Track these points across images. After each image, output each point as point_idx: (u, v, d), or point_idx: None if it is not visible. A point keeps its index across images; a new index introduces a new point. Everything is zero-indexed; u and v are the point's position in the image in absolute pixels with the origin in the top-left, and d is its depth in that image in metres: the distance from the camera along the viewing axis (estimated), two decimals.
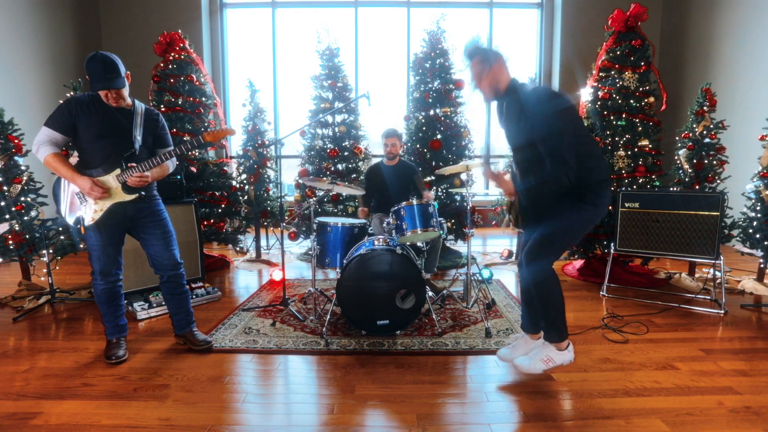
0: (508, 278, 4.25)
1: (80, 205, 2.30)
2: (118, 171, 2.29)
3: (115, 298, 2.50)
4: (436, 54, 4.99)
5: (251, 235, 5.28)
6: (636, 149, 3.95)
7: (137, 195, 2.36)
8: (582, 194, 1.96)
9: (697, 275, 4.05)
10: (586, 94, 4.28)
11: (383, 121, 7.63)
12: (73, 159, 2.34)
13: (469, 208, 3.17)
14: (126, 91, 2.31)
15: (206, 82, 4.80)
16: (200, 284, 3.58)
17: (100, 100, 2.29)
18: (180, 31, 4.65)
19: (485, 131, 7.72)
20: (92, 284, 2.47)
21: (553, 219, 2.01)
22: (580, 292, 3.75)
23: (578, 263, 4.38)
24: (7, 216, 3.40)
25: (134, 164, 2.29)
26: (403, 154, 3.92)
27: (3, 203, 3.38)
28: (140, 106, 2.40)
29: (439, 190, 5.04)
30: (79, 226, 2.30)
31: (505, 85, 2.03)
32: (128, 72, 2.31)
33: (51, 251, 3.58)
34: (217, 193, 4.66)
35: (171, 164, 2.52)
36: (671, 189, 3.81)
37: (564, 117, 1.87)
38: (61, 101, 3.49)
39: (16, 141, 3.49)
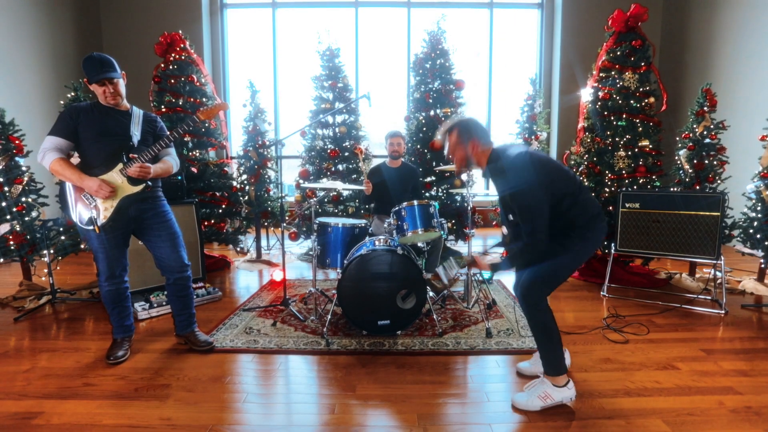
0: (509, 279, 4.25)
1: (90, 205, 2.30)
2: (120, 165, 2.31)
3: (121, 300, 2.50)
4: (436, 54, 4.99)
5: (252, 235, 5.29)
6: (636, 149, 3.95)
7: (144, 185, 2.38)
8: (575, 233, 1.96)
9: (697, 275, 4.05)
10: (586, 95, 4.28)
11: (383, 121, 7.65)
12: (74, 159, 2.35)
13: (469, 208, 3.17)
14: (123, 91, 2.36)
15: (207, 83, 4.81)
16: (201, 284, 3.58)
17: (100, 105, 2.35)
18: (180, 31, 4.66)
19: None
20: (98, 286, 2.48)
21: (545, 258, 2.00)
22: (581, 292, 3.75)
23: None
24: (8, 216, 3.41)
25: (135, 155, 2.32)
26: (403, 155, 3.93)
27: (4, 204, 3.39)
28: (138, 110, 2.45)
29: (440, 190, 5.04)
30: (92, 226, 2.30)
31: (485, 158, 2.04)
32: (124, 72, 2.38)
33: (52, 251, 3.58)
34: (217, 194, 4.67)
35: (174, 162, 2.52)
36: (672, 189, 3.81)
37: (537, 191, 1.84)
38: (62, 102, 3.50)
39: (17, 142, 3.49)
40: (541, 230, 1.84)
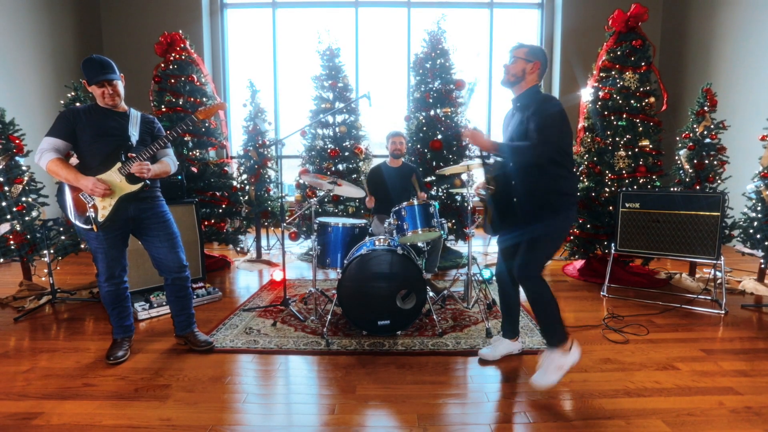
0: None
1: (88, 205, 2.30)
2: (118, 164, 2.31)
3: (121, 300, 2.50)
4: (436, 54, 4.99)
5: (252, 235, 5.29)
6: (636, 149, 3.95)
7: (143, 184, 2.38)
8: (554, 202, 2.13)
9: (697, 275, 4.05)
10: (586, 95, 4.28)
11: (384, 121, 7.65)
12: (73, 160, 2.35)
13: (469, 208, 3.17)
14: (122, 92, 2.38)
15: (207, 83, 4.81)
16: (201, 284, 3.58)
17: (97, 107, 2.36)
18: (180, 31, 4.66)
19: (486, 131, 7.73)
20: (98, 286, 2.48)
21: (532, 228, 2.15)
22: (581, 292, 3.75)
23: (579, 263, 4.38)
24: (9, 216, 3.41)
25: (133, 155, 2.33)
26: (404, 155, 3.93)
27: (4, 203, 3.39)
28: (136, 111, 2.46)
29: (440, 190, 5.04)
30: (90, 226, 2.30)
31: (529, 85, 2.22)
32: (122, 74, 2.41)
33: (52, 251, 3.58)
34: (217, 194, 4.67)
35: (172, 163, 2.52)
36: (672, 189, 3.81)
37: (562, 119, 2.09)
38: (62, 102, 3.50)
39: (17, 141, 3.49)
40: (549, 146, 2.04)
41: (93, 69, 2.26)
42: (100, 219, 2.31)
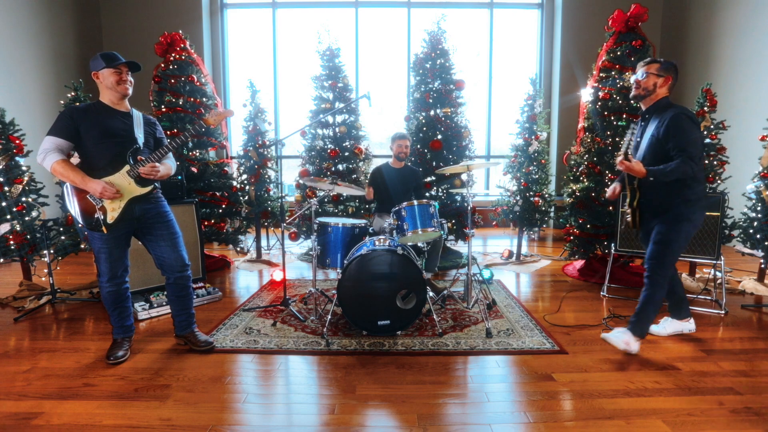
0: (509, 278, 4.25)
1: (96, 207, 2.29)
2: (127, 167, 2.31)
3: (122, 301, 2.50)
4: (436, 54, 4.99)
5: (252, 235, 5.29)
6: None
7: (152, 187, 2.39)
8: (696, 205, 2.41)
9: (697, 275, 4.05)
10: (586, 95, 4.28)
11: (384, 121, 7.65)
12: (74, 159, 2.34)
13: (469, 208, 3.17)
14: (131, 88, 2.37)
15: (207, 83, 4.81)
16: (201, 284, 3.58)
17: (100, 105, 2.34)
18: (180, 31, 4.66)
19: (486, 131, 7.74)
20: (99, 286, 2.47)
21: (667, 228, 2.43)
22: (581, 292, 3.75)
23: (579, 263, 4.38)
24: (9, 216, 3.41)
25: (143, 157, 2.33)
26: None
27: (4, 203, 3.38)
28: (137, 112, 2.46)
29: (440, 190, 5.04)
30: (100, 229, 2.29)
31: (660, 97, 2.46)
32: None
33: (52, 251, 3.58)
34: (217, 194, 4.67)
35: (173, 165, 2.54)
36: None
37: (699, 133, 2.36)
38: (62, 102, 3.50)
39: (17, 141, 3.49)
40: (696, 159, 2.26)
41: (110, 56, 2.26)
42: (110, 221, 2.30)
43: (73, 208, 2.31)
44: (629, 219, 2.61)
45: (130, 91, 2.35)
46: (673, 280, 2.73)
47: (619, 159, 2.35)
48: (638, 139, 2.55)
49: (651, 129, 2.44)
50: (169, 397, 2.09)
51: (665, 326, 2.80)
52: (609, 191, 2.82)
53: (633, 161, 2.33)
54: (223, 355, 2.54)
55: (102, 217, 2.29)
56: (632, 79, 2.53)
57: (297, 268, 4.71)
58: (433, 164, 4.88)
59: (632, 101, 2.53)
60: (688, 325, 2.78)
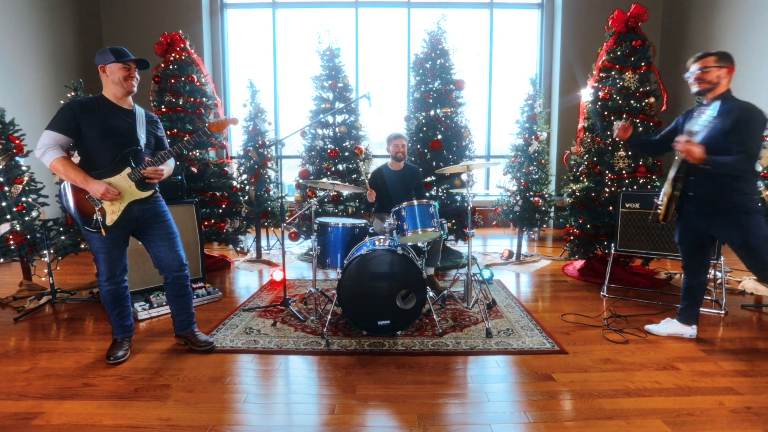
0: (509, 278, 4.25)
1: (96, 208, 2.27)
2: (128, 170, 2.29)
3: (121, 300, 2.50)
4: (436, 54, 4.99)
5: (252, 235, 5.29)
6: None
7: (153, 191, 2.39)
8: (750, 198, 2.35)
9: None
10: (586, 95, 4.28)
11: (384, 121, 7.65)
12: (74, 159, 2.33)
13: (469, 208, 3.17)
14: (136, 86, 2.37)
15: (207, 83, 4.81)
16: (201, 284, 3.58)
17: (103, 100, 2.30)
18: (181, 31, 4.66)
19: (486, 131, 7.74)
20: (98, 286, 2.47)
21: (745, 229, 2.35)
22: (581, 292, 3.75)
23: (579, 263, 4.38)
24: (9, 216, 3.41)
25: (149, 158, 2.33)
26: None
27: (4, 203, 3.39)
28: (140, 108, 2.44)
29: (440, 190, 5.04)
30: (98, 230, 2.28)
31: (724, 89, 2.39)
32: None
33: (52, 251, 3.58)
34: (217, 194, 4.67)
35: (173, 166, 2.54)
36: None
37: (761, 128, 2.28)
38: (62, 102, 3.50)
39: (17, 141, 3.49)
40: (754, 158, 2.23)
41: (120, 51, 2.24)
42: (109, 223, 2.29)
43: (71, 207, 2.30)
44: (661, 210, 2.46)
45: (136, 89, 2.34)
46: (700, 287, 2.68)
47: (682, 138, 2.22)
48: (693, 129, 2.30)
49: (713, 120, 2.26)
50: (169, 397, 2.09)
51: (666, 326, 2.79)
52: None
53: (695, 144, 2.20)
54: (223, 355, 2.54)
55: (101, 218, 2.28)
56: (688, 75, 2.42)
57: (297, 268, 4.71)
58: (433, 164, 4.88)
59: (695, 96, 2.49)
60: (690, 330, 2.73)
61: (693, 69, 2.40)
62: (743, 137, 2.22)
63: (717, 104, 2.29)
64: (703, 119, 2.22)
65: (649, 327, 2.83)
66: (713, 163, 2.21)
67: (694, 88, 2.43)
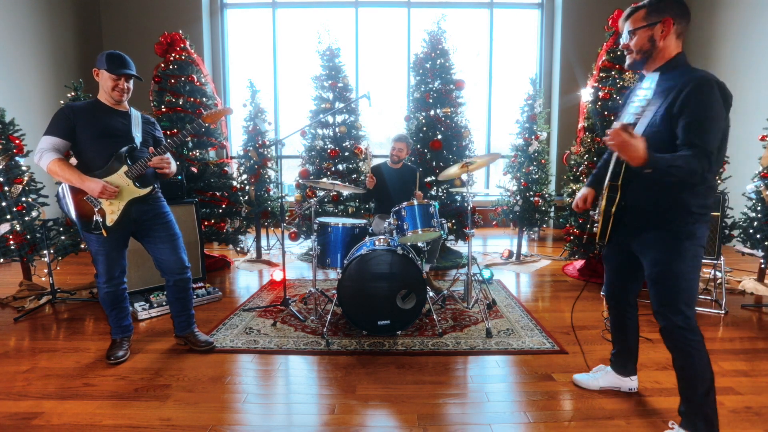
0: (509, 278, 4.25)
1: (95, 209, 2.26)
2: (124, 168, 2.28)
3: (119, 301, 2.49)
4: (436, 54, 4.99)
5: (252, 235, 5.29)
6: None
7: (151, 188, 2.37)
8: (692, 218, 1.63)
9: None
10: (586, 95, 4.28)
11: (384, 121, 7.65)
12: (72, 160, 2.33)
13: (469, 208, 3.17)
14: (130, 92, 2.36)
15: (207, 83, 4.81)
16: (201, 284, 3.58)
17: (98, 104, 2.32)
18: (181, 31, 4.66)
19: (486, 131, 7.74)
20: (96, 287, 2.47)
21: (666, 255, 1.65)
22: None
23: (578, 263, 4.38)
24: (9, 216, 3.41)
25: (153, 149, 2.32)
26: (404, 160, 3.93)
27: (4, 203, 3.38)
28: (136, 111, 2.44)
29: (440, 190, 5.04)
30: (99, 232, 2.27)
31: (671, 51, 1.63)
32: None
33: (52, 251, 3.58)
34: (217, 194, 4.67)
35: (174, 164, 2.52)
36: None
37: (721, 111, 1.53)
38: (62, 102, 3.49)
39: (17, 141, 3.49)
40: (713, 156, 1.50)
41: (117, 60, 2.23)
42: (109, 223, 2.28)
43: (70, 210, 2.28)
44: (597, 228, 1.82)
45: (125, 99, 2.34)
46: (630, 322, 2.04)
47: (616, 126, 1.46)
48: (624, 121, 1.54)
49: (651, 101, 1.54)
50: (169, 397, 2.09)
51: (597, 377, 2.14)
52: (577, 199, 2.05)
53: (634, 135, 1.46)
54: (223, 355, 2.54)
55: (101, 219, 2.27)
56: (621, 43, 1.74)
57: (297, 268, 4.71)
58: (433, 164, 4.88)
59: (629, 71, 1.69)
60: (629, 383, 2.10)
61: (623, 35, 1.70)
62: (696, 123, 1.50)
63: (654, 78, 1.59)
64: (637, 103, 1.52)
65: (577, 377, 2.20)
66: (657, 164, 1.48)
67: (626, 63, 1.74)
